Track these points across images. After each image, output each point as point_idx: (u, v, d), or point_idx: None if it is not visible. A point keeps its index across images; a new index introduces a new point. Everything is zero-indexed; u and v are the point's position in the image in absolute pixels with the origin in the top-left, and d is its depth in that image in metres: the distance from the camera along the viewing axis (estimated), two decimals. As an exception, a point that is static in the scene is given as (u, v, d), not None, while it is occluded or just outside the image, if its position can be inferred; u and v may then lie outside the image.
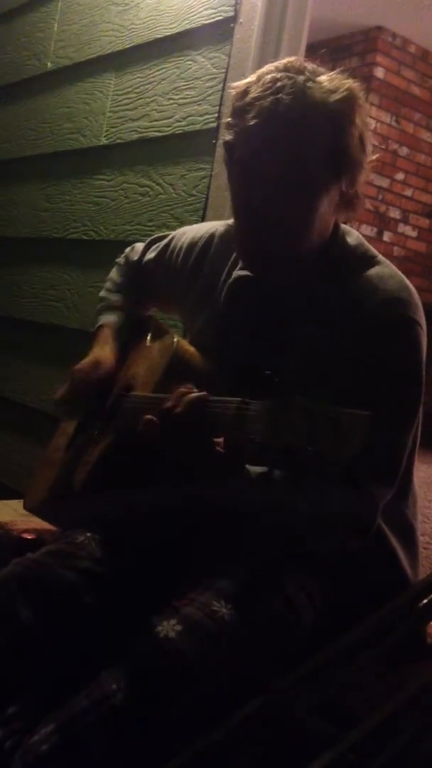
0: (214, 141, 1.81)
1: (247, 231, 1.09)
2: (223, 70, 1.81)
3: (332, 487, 0.99)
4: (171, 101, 1.97)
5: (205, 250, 1.25)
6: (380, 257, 1.13)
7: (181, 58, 1.95)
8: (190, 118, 1.90)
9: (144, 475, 1.05)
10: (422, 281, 5.25)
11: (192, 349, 1.15)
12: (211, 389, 0.96)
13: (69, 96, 2.37)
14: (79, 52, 2.33)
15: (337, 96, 0.99)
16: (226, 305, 1.17)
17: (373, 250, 1.14)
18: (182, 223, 1.88)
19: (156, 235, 1.39)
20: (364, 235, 1.24)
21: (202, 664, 0.92)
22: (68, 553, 1.10)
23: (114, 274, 1.44)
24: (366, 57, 4.88)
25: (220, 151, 1.76)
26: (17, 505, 1.82)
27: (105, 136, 2.20)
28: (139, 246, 1.41)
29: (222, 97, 1.80)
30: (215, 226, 1.27)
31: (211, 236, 1.25)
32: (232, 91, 1.06)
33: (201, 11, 1.89)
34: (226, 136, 1.06)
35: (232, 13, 1.80)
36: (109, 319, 1.35)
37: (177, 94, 1.95)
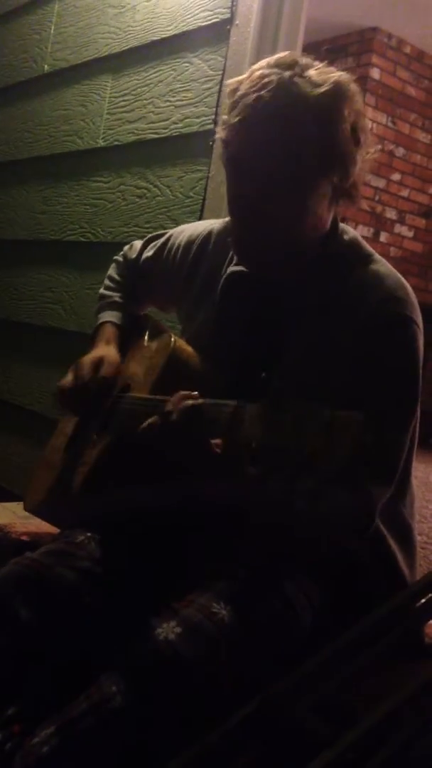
0: (211, 143, 1.81)
1: (239, 227, 1.10)
2: (220, 72, 1.82)
3: (329, 487, 0.99)
4: (168, 103, 1.97)
5: (203, 247, 1.25)
6: (376, 255, 1.13)
7: (178, 60, 1.95)
8: (187, 120, 1.91)
9: (142, 476, 1.05)
10: (419, 281, 5.26)
11: (189, 348, 1.15)
12: (208, 389, 0.97)
13: (66, 98, 2.37)
14: (76, 55, 2.33)
15: (323, 89, 0.99)
16: (222, 302, 1.17)
17: (369, 248, 1.14)
18: (179, 225, 1.88)
19: (154, 234, 1.39)
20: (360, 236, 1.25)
21: (201, 666, 0.92)
22: (68, 552, 1.10)
23: (113, 271, 1.44)
24: (361, 58, 4.89)
25: (217, 153, 1.77)
26: (16, 507, 1.83)
27: (102, 138, 2.20)
28: (138, 244, 1.41)
29: (219, 98, 1.81)
30: (213, 223, 1.27)
31: (209, 234, 1.25)
32: (227, 88, 1.07)
33: (197, 13, 1.89)
34: (220, 133, 1.07)
35: (228, 15, 1.80)
36: (110, 316, 1.35)
37: (174, 96, 1.95)
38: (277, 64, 1.01)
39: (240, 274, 1.15)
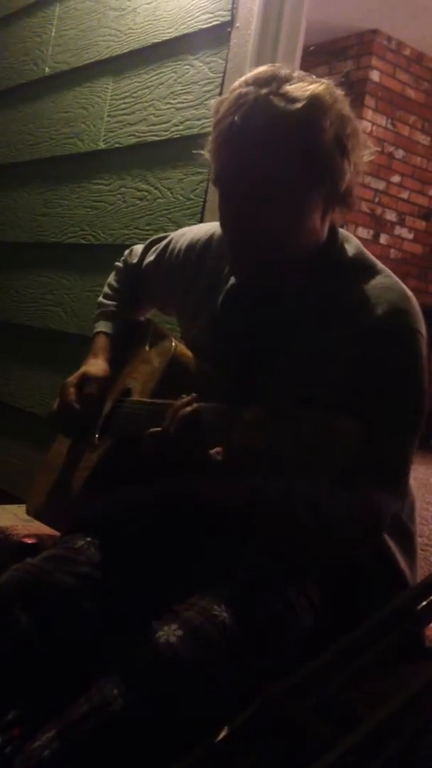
0: (211, 145, 1.82)
1: (230, 244, 1.11)
2: (221, 75, 1.82)
3: (332, 494, 0.99)
4: (168, 105, 1.97)
5: (205, 250, 1.25)
6: (380, 266, 1.12)
7: (179, 62, 1.95)
8: (187, 123, 1.91)
9: (143, 480, 1.05)
10: (419, 283, 5.26)
11: (190, 354, 1.15)
12: (208, 394, 0.97)
13: (67, 101, 2.38)
14: (77, 57, 2.34)
15: (299, 105, 0.97)
16: (223, 310, 1.17)
17: (373, 259, 1.13)
18: (180, 227, 1.88)
19: (154, 237, 1.39)
20: (360, 238, 1.24)
21: (202, 669, 0.92)
22: (67, 558, 1.10)
23: (112, 278, 1.44)
24: (361, 60, 4.89)
25: (203, 151, 1.77)
26: (17, 510, 1.83)
27: (103, 141, 2.20)
28: (138, 248, 1.41)
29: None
30: (214, 226, 1.27)
31: (210, 237, 1.25)
32: (212, 108, 1.07)
33: (198, 16, 1.90)
34: (206, 152, 1.08)
35: (228, 18, 1.81)
36: (104, 327, 1.35)
37: (174, 99, 1.96)
38: (255, 81, 1.00)
39: (241, 285, 1.16)
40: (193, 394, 0.97)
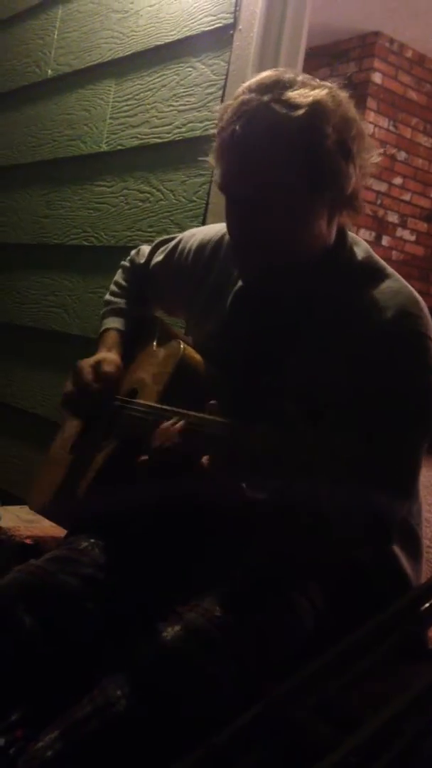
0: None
1: (235, 248, 1.12)
2: (223, 77, 1.82)
3: (335, 494, 0.98)
4: (171, 108, 1.98)
5: (215, 252, 1.24)
6: (389, 270, 1.12)
7: (181, 65, 1.96)
8: (190, 125, 1.91)
9: (147, 482, 1.06)
10: (421, 285, 5.26)
11: (198, 356, 1.14)
12: (214, 399, 0.97)
13: (69, 103, 2.38)
14: (79, 60, 2.34)
15: (300, 112, 0.97)
16: (232, 313, 1.17)
17: (382, 263, 1.13)
18: (183, 229, 1.87)
19: (163, 238, 1.39)
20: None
21: (204, 670, 0.92)
22: (71, 559, 1.10)
23: (119, 277, 1.44)
24: (363, 62, 4.90)
25: (207, 158, 1.77)
26: (19, 511, 1.83)
27: (105, 143, 2.21)
28: (145, 249, 1.40)
29: (222, 103, 1.81)
30: (224, 228, 1.25)
31: (221, 238, 1.25)
32: (218, 114, 1.07)
33: (200, 18, 1.90)
34: (210, 158, 1.08)
35: (231, 21, 1.81)
36: (114, 323, 1.34)
37: (177, 101, 1.96)
38: (258, 87, 1.00)
39: (249, 288, 1.16)
40: (213, 402, 0.97)
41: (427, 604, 0.94)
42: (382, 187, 4.98)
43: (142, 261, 1.39)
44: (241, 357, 1.13)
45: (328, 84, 1.03)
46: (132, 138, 2.10)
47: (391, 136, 4.96)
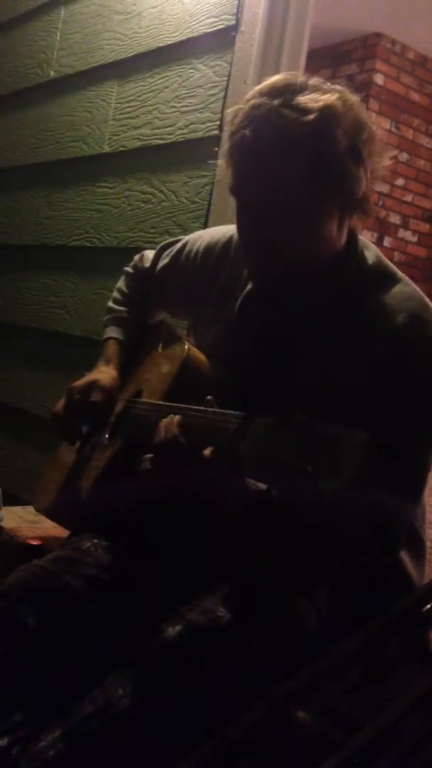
0: (216, 148, 1.82)
1: (246, 252, 1.12)
2: (225, 78, 1.82)
3: (345, 505, 0.98)
4: (173, 109, 1.98)
5: (223, 255, 1.24)
6: (400, 274, 1.12)
7: (183, 66, 1.96)
8: (192, 126, 1.91)
9: (150, 483, 1.06)
10: (423, 286, 5.19)
11: (203, 357, 1.15)
12: (219, 400, 0.97)
13: (71, 104, 2.39)
14: (82, 61, 2.34)
15: (311, 116, 0.97)
16: (240, 315, 1.17)
17: (393, 267, 1.13)
18: (185, 230, 1.88)
19: (167, 241, 1.38)
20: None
21: (206, 670, 0.93)
22: (74, 560, 1.10)
23: (122, 284, 1.43)
24: (365, 63, 4.90)
25: (219, 161, 1.77)
26: (22, 511, 1.83)
27: (108, 144, 2.21)
28: (149, 253, 1.40)
29: (224, 104, 1.82)
30: (232, 229, 1.25)
31: (229, 239, 1.24)
32: (227, 116, 1.07)
33: (203, 20, 1.90)
34: (222, 161, 1.08)
35: (233, 22, 1.81)
36: (115, 332, 1.34)
37: (179, 102, 1.96)
38: (269, 92, 1.00)
39: (259, 291, 1.16)
40: (209, 398, 0.97)
41: (429, 606, 0.94)
42: (384, 188, 4.98)
43: (147, 265, 1.38)
44: (250, 360, 1.13)
45: (339, 88, 1.02)
46: (134, 139, 2.10)
47: (393, 138, 4.96)
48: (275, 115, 0.97)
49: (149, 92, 2.07)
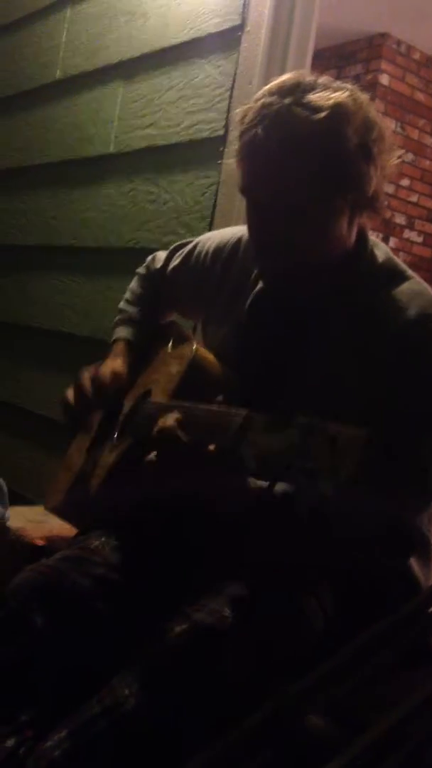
0: (221, 149, 1.82)
1: (256, 251, 1.12)
2: (231, 78, 1.82)
3: (355, 503, 0.97)
4: (179, 109, 1.98)
5: (232, 255, 1.24)
6: (410, 272, 1.12)
7: (189, 66, 1.96)
8: (197, 126, 1.91)
9: (158, 482, 1.06)
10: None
11: (211, 357, 1.15)
12: (227, 399, 0.97)
13: (77, 104, 2.39)
14: (88, 61, 2.35)
15: (322, 115, 0.97)
16: (250, 315, 1.17)
17: (402, 265, 1.13)
18: (190, 230, 1.89)
19: (179, 243, 1.38)
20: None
21: (213, 670, 0.93)
22: (82, 559, 1.10)
23: (134, 284, 1.44)
24: (370, 64, 4.89)
25: (227, 159, 1.77)
26: (28, 512, 1.83)
27: (113, 144, 2.21)
28: (161, 254, 1.40)
29: (229, 105, 1.82)
30: (241, 230, 1.25)
31: (239, 240, 1.25)
32: (236, 117, 1.07)
33: (208, 20, 1.90)
34: (233, 160, 1.08)
35: (239, 22, 1.81)
36: (125, 333, 1.35)
37: (185, 103, 1.96)
38: (279, 90, 1.00)
39: (268, 290, 1.16)
40: (220, 398, 0.97)
41: (435, 606, 0.94)
42: (390, 188, 4.97)
43: (159, 266, 1.39)
44: (260, 359, 1.13)
45: (348, 86, 1.02)
46: (140, 139, 2.11)
47: (398, 138, 4.95)
48: (286, 114, 0.97)
49: (155, 92, 2.07)
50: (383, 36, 4.82)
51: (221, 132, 1.83)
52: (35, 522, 1.74)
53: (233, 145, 1.07)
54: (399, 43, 4.89)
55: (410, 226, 5.18)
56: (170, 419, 0.96)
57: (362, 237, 1.10)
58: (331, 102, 0.98)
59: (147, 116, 2.09)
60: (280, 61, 1.77)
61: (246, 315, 1.17)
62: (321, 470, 0.75)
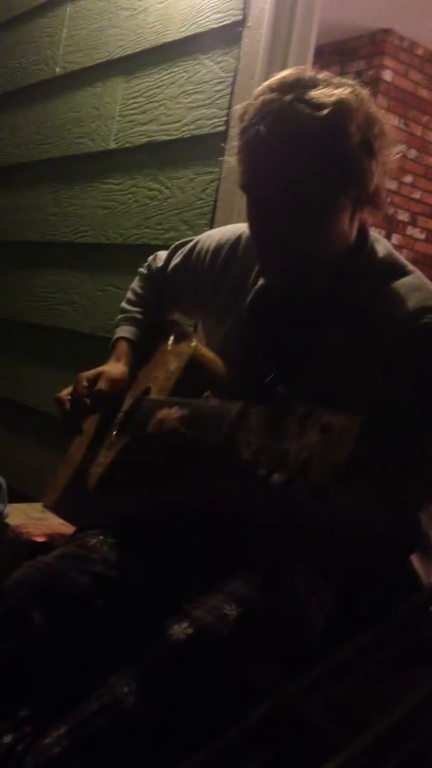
0: (222, 144, 1.82)
1: (257, 247, 1.11)
2: (232, 74, 1.82)
3: (360, 497, 0.97)
4: (180, 105, 1.97)
5: (232, 252, 1.24)
6: (410, 267, 1.12)
7: (190, 62, 1.95)
8: (198, 122, 1.91)
9: (158, 478, 1.05)
10: None
11: (211, 355, 1.15)
12: (226, 395, 0.97)
13: (78, 100, 2.38)
14: (88, 57, 2.34)
15: (324, 112, 0.96)
16: (251, 312, 1.16)
17: (403, 260, 1.13)
18: (191, 227, 1.88)
19: (180, 241, 1.39)
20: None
21: (212, 668, 0.92)
22: (81, 556, 1.10)
23: (135, 284, 1.44)
24: (373, 60, 4.88)
25: (228, 155, 1.77)
26: (27, 508, 1.83)
27: (114, 140, 2.21)
28: (162, 254, 1.40)
29: (231, 100, 1.81)
30: (241, 228, 1.26)
31: (238, 238, 1.25)
32: (236, 113, 1.06)
33: (209, 15, 1.90)
34: (233, 157, 1.08)
35: (240, 17, 1.80)
36: (127, 332, 1.34)
37: (186, 98, 1.96)
38: (280, 87, 0.99)
39: (269, 287, 1.15)
40: (206, 393, 0.97)
41: (437, 604, 0.93)
42: (392, 185, 4.96)
43: (160, 264, 1.39)
44: (261, 355, 1.13)
45: (349, 81, 1.02)
46: (140, 135, 2.10)
47: (401, 134, 4.94)
48: (289, 110, 0.97)
49: (156, 88, 2.07)
50: (386, 32, 4.80)
51: (222, 128, 1.83)
52: (35, 519, 1.74)
53: (234, 141, 1.06)
54: (402, 39, 4.87)
55: (413, 223, 5.17)
56: (172, 415, 0.96)
57: (363, 233, 1.10)
58: (333, 99, 0.97)
59: (148, 112, 2.08)
60: (281, 57, 1.76)
61: (247, 311, 1.17)
62: (315, 458, 0.75)
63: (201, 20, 1.92)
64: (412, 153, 5.05)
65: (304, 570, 1.06)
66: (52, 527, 1.67)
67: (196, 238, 1.35)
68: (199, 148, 1.90)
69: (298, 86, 0.99)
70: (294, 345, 1.11)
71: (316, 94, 0.97)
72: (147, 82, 2.10)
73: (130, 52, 2.17)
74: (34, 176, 2.57)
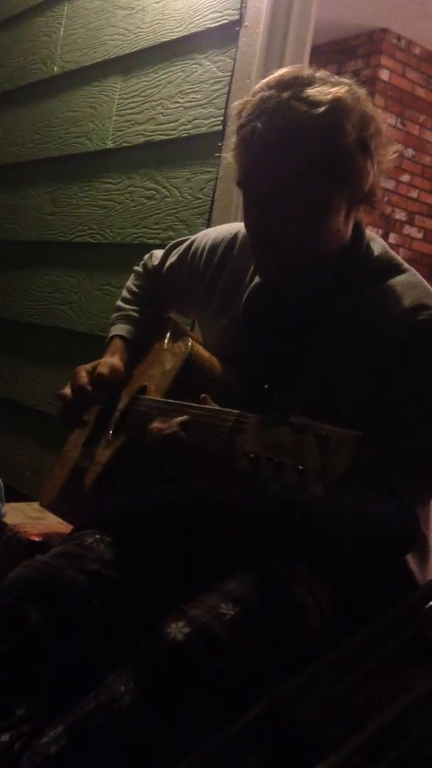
0: (219, 144, 1.82)
1: (253, 245, 1.11)
2: (229, 74, 1.82)
3: (365, 500, 0.97)
4: (177, 104, 1.97)
5: (228, 251, 1.24)
6: (406, 265, 1.12)
7: (187, 61, 1.95)
8: (195, 122, 1.91)
9: (154, 477, 1.06)
10: (428, 282, 5.23)
11: (207, 354, 1.15)
12: (222, 396, 0.97)
13: (75, 100, 2.38)
14: (85, 56, 2.34)
15: (321, 109, 0.97)
16: (247, 310, 1.17)
17: (399, 259, 1.13)
18: (188, 226, 1.88)
19: (176, 240, 1.39)
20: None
21: (209, 667, 0.92)
22: (78, 555, 1.10)
23: (131, 282, 1.44)
24: (370, 59, 4.88)
25: (225, 154, 1.77)
26: (25, 507, 1.84)
27: (111, 140, 2.21)
28: (158, 252, 1.40)
29: (227, 100, 1.81)
30: (237, 227, 1.26)
31: (234, 237, 1.25)
32: (233, 111, 1.07)
33: (206, 15, 1.90)
34: (230, 154, 1.08)
35: (237, 17, 1.80)
36: (122, 330, 1.34)
37: (183, 98, 1.96)
38: (277, 84, 1.00)
39: (264, 287, 1.15)
40: (203, 395, 0.97)
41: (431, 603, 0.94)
42: (390, 184, 4.96)
43: (155, 264, 1.39)
44: (257, 354, 1.13)
45: (346, 80, 1.02)
46: (138, 135, 2.10)
47: (398, 134, 4.94)
48: (285, 108, 0.97)
49: (153, 88, 2.07)
50: (383, 31, 4.80)
51: (219, 127, 1.83)
52: (32, 518, 1.74)
53: (231, 140, 1.06)
54: (399, 38, 4.87)
55: (410, 222, 5.17)
56: (174, 422, 0.96)
57: (358, 231, 1.10)
58: (330, 97, 0.98)
59: (145, 111, 2.08)
60: (278, 57, 1.77)
61: (243, 310, 1.17)
62: (312, 470, 0.75)
63: (198, 20, 1.92)
64: (409, 152, 5.06)
65: (301, 569, 1.06)
66: (50, 526, 1.67)
67: (192, 237, 1.35)
68: (196, 148, 1.90)
69: (295, 84, 0.99)
70: (289, 344, 1.11)
71: (312, 91, 0.98)
72: (144, 81, 2.10)
73: (127, 52, 2.17)
74: (31, 176, 2.57)
